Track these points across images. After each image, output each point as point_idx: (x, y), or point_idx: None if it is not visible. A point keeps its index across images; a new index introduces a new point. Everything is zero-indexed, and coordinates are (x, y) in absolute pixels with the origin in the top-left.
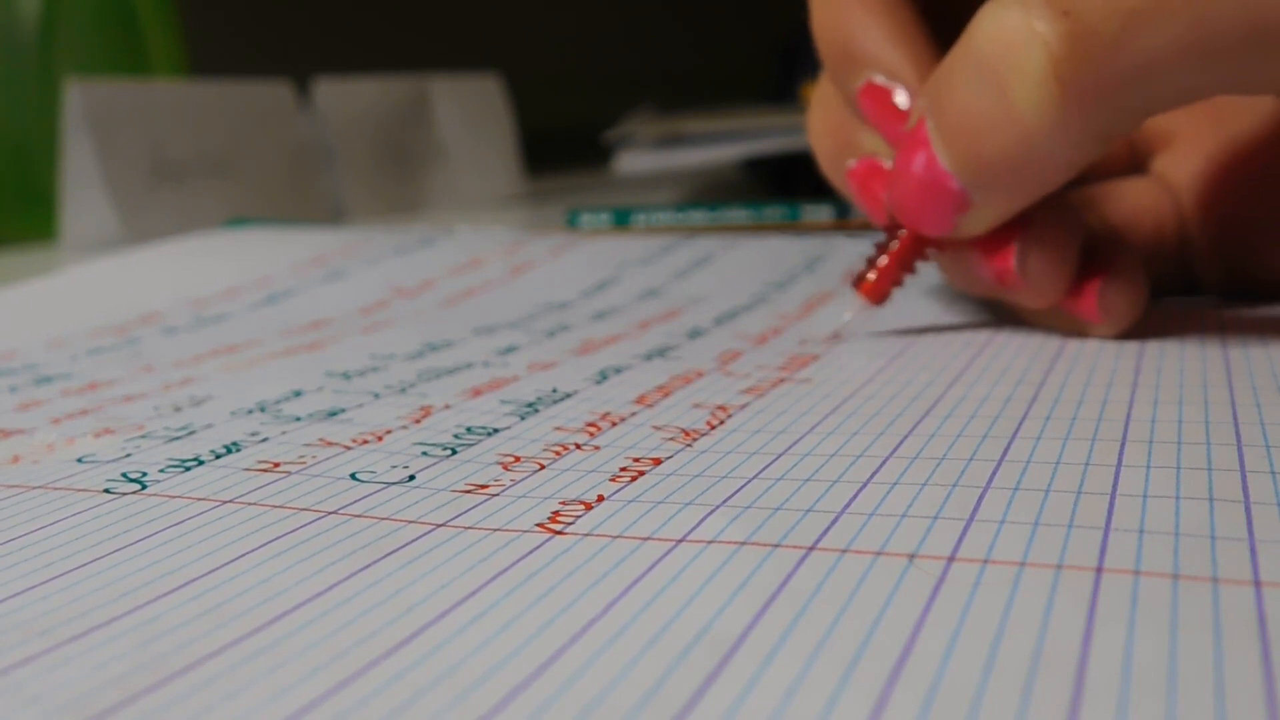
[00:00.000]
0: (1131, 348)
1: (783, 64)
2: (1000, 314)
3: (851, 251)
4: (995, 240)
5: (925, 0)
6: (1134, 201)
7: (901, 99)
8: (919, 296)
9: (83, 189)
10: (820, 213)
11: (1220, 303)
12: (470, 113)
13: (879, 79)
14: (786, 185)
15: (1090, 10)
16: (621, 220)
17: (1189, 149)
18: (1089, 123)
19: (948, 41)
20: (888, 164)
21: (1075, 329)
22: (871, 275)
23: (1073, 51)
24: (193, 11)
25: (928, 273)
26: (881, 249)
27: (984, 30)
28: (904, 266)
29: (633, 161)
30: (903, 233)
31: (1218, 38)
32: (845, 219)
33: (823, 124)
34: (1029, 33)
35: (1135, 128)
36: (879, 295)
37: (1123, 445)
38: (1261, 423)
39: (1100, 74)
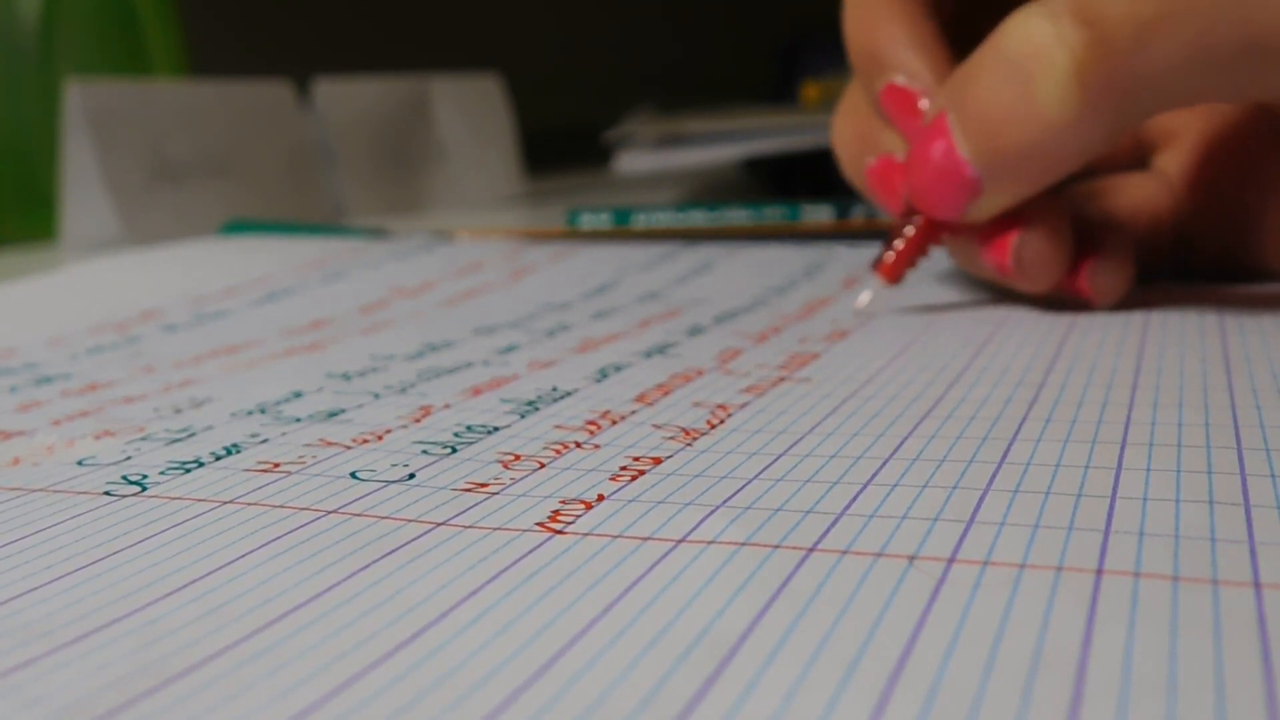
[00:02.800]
0: (1131, 349)
1: (783, 64)
2: (1001, 301)
3: (851, 259)
4: (994, 235)
5: (943, 13)
6: (1134, 193)
7: (921, 98)
8: (919, 297)
9: (83, 189)
10: (820, 213)
11: (1213, 289)
12: (470, 113)
13: (900, 80)
14: (786, 185)
15: (1109, 21)
16: (621, 220)
17: (1187, 146)
18: (1102, 119)
19: (961, 51)
20: (903, 159)
21: (1073, 302)
22: (889, 257)
23: (1093, 56)
24: (193, 11)
25: (927, 274)
26: (898, 235)
27: (1014, 34)
28: (918, 250)
29: (633, 161)
30: (917, 220)
31: (1219, 49)
32: (845, 219)
33: (847, 128)
34: (1056, 38)
35: (1140, 124)
36: (895, 275)
37: (1123, 448)
38: (1261, 425)
39: (1116, 76)
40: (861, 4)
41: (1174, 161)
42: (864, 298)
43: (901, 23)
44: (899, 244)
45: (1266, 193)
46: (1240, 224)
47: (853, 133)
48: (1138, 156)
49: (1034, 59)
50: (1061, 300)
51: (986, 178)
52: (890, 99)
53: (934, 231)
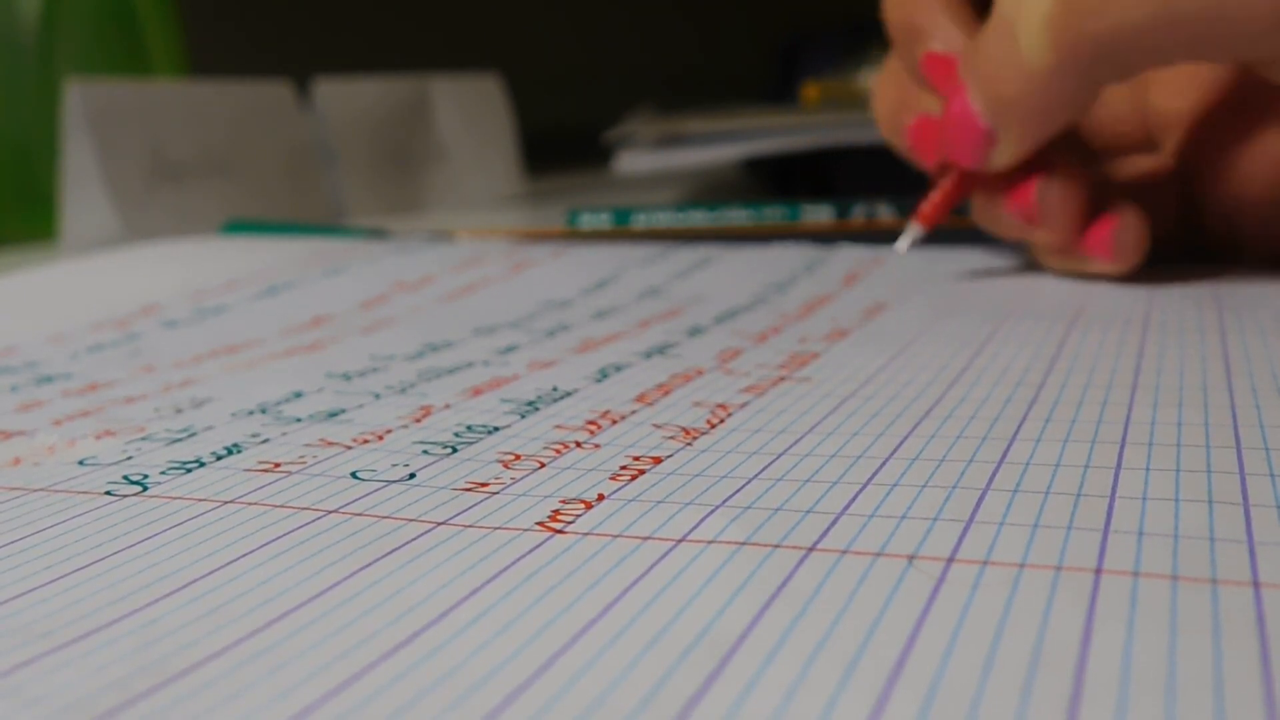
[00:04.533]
0: (1131, 348)
1: (783, 64)
2: (1002, 301)
3: (850, 258)
4: (1019, 181)
5: None
6: (1142, 172)
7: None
8: (919, 297)
9: (83, 189)
10: (820, 213)
11: (1213, 287)
12: (470, 113)
13: (938, 47)
14: (786, 185)
15: None
16: (621, 220)
17: (1190, 128)
18: (1077, 69)
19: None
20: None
21: (1089, 271)
22: (926, 206)
23: (1061, 9)
24: (193, 11)
25: (926, 274)
26: (935, 186)
27: None
28: (952, 200)
29: (633, 161)
30: (952, 172)
31: (1179, 12)
32: (845, 219)
33: (887, 92)
34: None
35: (1123, 79)
36: (931, 220)
37: (1122, 447)
38: (1261, 425)
39: (1083, 30)
40: None
41: (1177, 140)
42: (904, 243)
43: None
44: (935, 194)
45: (1264, 165)
46: (1240, 196)
47: (892, 97)
48: (1148, 142)
49: (1017, 15)
50: (1076, 269)
51: (995, 126)
52: (930, 65)
53: (965, 182)
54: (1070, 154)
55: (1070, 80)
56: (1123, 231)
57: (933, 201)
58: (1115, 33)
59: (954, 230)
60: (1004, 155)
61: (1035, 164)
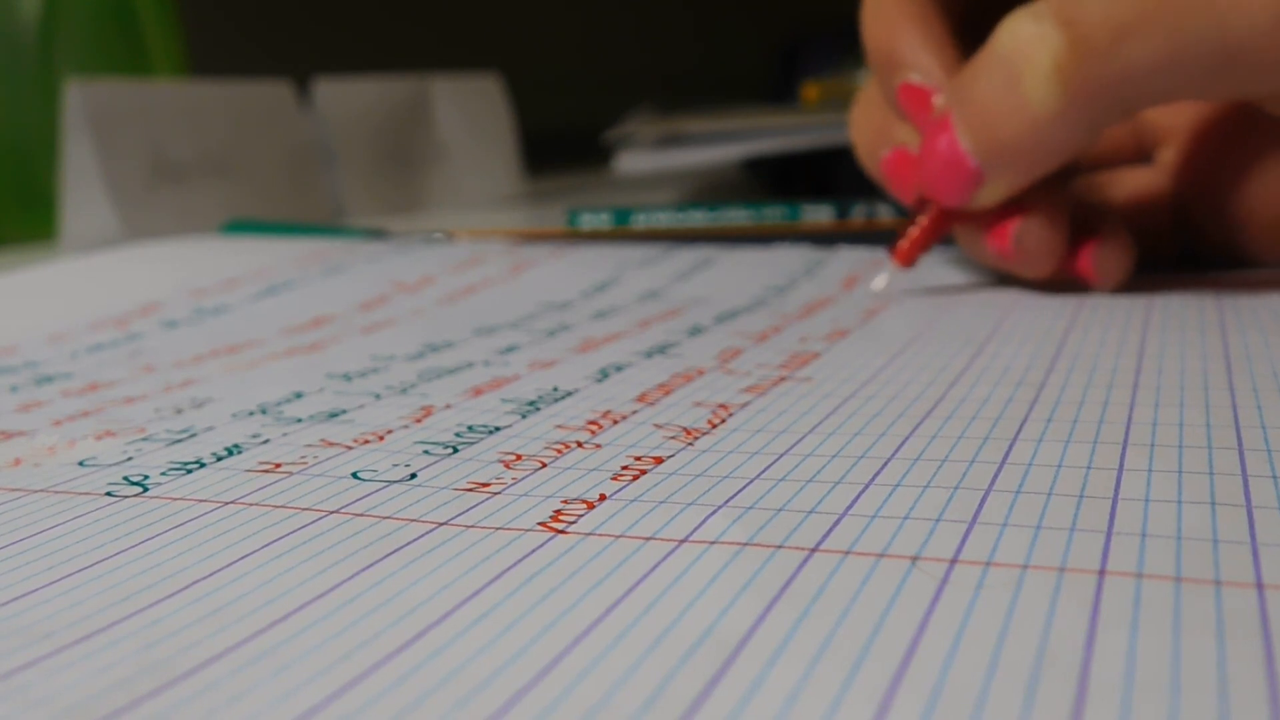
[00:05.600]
0: (1132, 348)
1: (783, 64)
2: (1002, 300)
3: (851, 259)
4: (997, 223)
5: (954, 16)
6: (1136, 184)
7: (934, 95)
8: (919, 296)
9: (83, 189)
10: (820, 213)
11: (1213, 286)
12: (470, 113)
13: (915, 78)
14: (786, 185)
15: (1087, 23)
16: (622, 220)
17: (1185, 139)
18: (1084, 113)
19: (971, 52)
20: (915, 152)
21: (1077, 286)
22: (904, 244)
23: (1073, 54)
24: (193, 11)
25: (926, 274)
26: (912, 223)
27: (1005, 35)
28: (930, 237)
29: (633, 161)
30: (930, 208)
31: (1193, 51)
32: (845, 219)
33: (864, 121)
34: (1040, 38)
35: (1123, 120)
36: (909, 259)
37: (1124, 448)
38: (1263, 426)
39: (1094, 74)
40: (879, 8)
41: (1173, 154)
42: (880, 281)
43: (916, 25)
44: (913, 231)
45: (1260, 181)
46: (1236, 211)
47: (869, 125)
48: (1140, 154)
49: (1021, 58)
50: (1065, 285)
51: (986, 168)
52: (906, 96)
53: (944, 219)
54: (1052, 186)
55: (1075, 123)
56: (1105, 255)
57: (911, 238)
58: (1126, 75)
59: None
60: (991, 195)
61: (1014, 201)
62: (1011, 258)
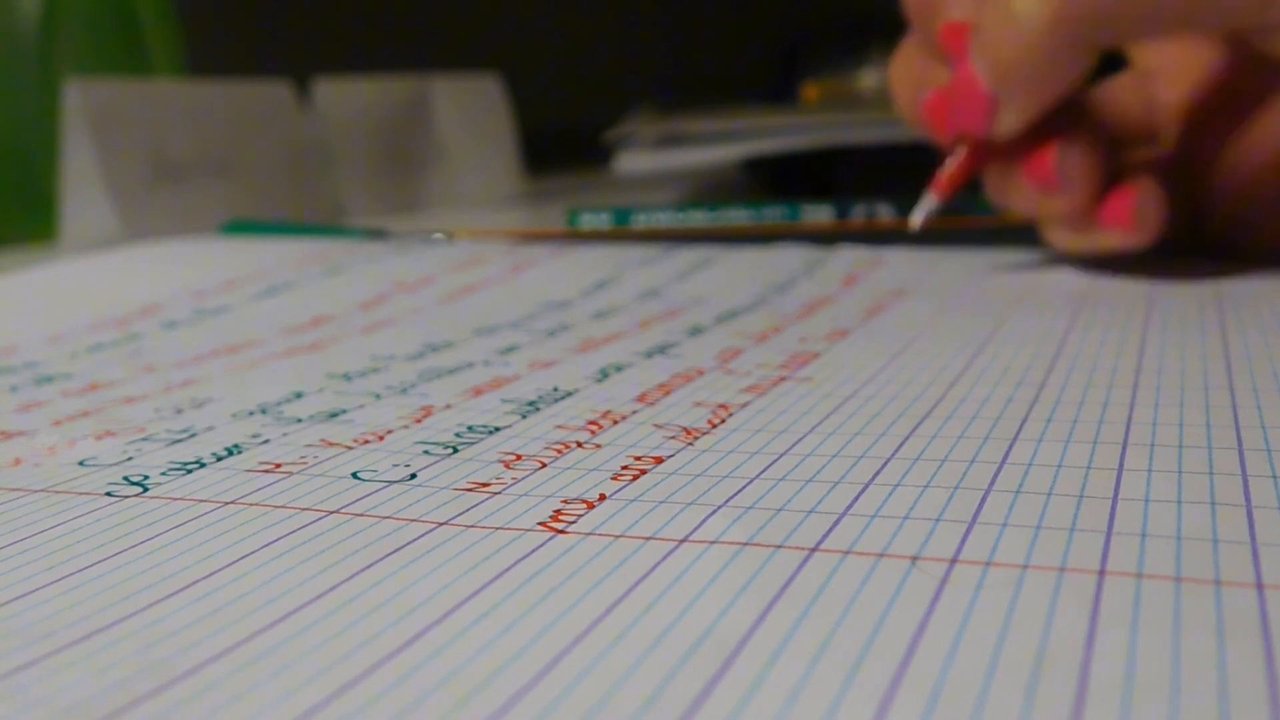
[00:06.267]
0: (1132, 348)
1: (783, 64)
2: (1003, 300)
3: (851, 259)
4: (1034, 155)
5: None
6: (1149, 164)
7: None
8: (919, 296)
9: (83, 189)
10: (820, 213)
11: (1214, 285)
12: (470, 113)
13: (956, 14)
14: (786, 185)
15: None
16: (621, 220)
17: (1192, 122)
18: (1071, 29)
19: None
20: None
21: (1100, 248)
22: (942, 177)
23: None
24: (193, 11)
25: (925, 274)
26: (950, 160)
27: None
28: (967, 170)
29: (633, 161)
30: (965, 145)
31: None
32: (845, 219)
33: (904, 74)
34: None
35: (1117, 45)
36: (946, 191)
37: (1124, 448)
38: (1263, 425)
39: None
40: None
41: (1179, 130)
42: (919, 215)
43: None
44: (952, 163)
45: (1267, 154)
46: (1241, 195)
47: (909, 77)
48: (1153, 134)
49: None
50: (1064, 285)
51: (997, 91)
52: (948, 35)
53: (981, 154)
54: (1080, 118)
55: (1064, 41)
56: (1144, 201)
57: (948, 172)
58: None
59: (954, 231)
60: (1007, 121)
61: (1053, 132)
62: (1052, 182)
